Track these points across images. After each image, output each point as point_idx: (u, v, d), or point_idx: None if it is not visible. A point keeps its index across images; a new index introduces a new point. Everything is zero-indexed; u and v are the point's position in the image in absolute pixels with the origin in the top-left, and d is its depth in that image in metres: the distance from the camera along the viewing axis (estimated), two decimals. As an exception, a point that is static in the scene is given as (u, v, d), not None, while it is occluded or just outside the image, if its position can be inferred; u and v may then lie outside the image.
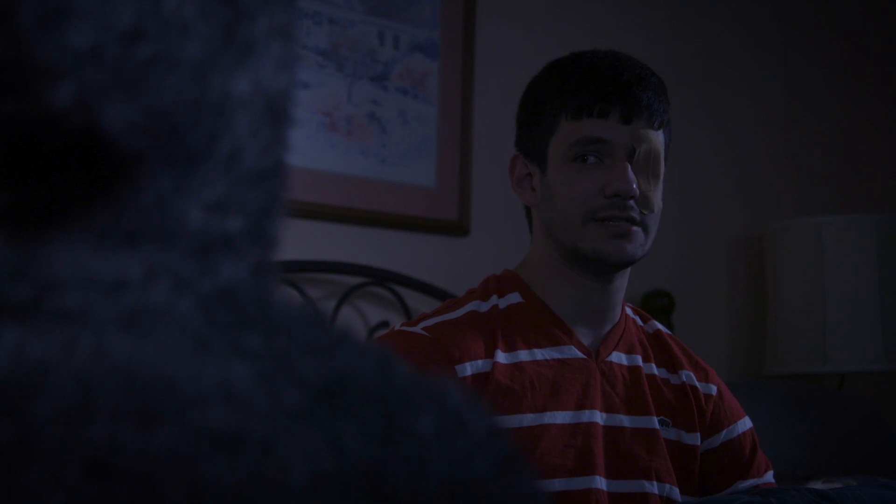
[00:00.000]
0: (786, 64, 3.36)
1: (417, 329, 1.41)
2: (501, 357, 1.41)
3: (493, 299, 1.48)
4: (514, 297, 1.48)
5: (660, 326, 1.56)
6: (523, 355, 1.43)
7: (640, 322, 1.55)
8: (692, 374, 1.50)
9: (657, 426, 1.45)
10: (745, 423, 1.53)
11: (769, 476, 1.52)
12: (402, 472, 0.35)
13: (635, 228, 1.41)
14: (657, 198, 1.43)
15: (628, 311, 1.54)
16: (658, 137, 1.43)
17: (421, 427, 0.36)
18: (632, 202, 1.40)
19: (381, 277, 2.54)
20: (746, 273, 3.22)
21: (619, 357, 1.47)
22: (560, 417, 1.40)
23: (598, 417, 1.41)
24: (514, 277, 1.50)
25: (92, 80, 0.37)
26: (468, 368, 1.38)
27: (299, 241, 2.44)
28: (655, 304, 2.88)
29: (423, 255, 2.65)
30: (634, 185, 1.39)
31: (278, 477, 0.33)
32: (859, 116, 3.46)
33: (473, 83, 2.74)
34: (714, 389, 1.51)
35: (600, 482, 1.38)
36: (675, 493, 1.43)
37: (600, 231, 1.40)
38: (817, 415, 2.75)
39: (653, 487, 1.41)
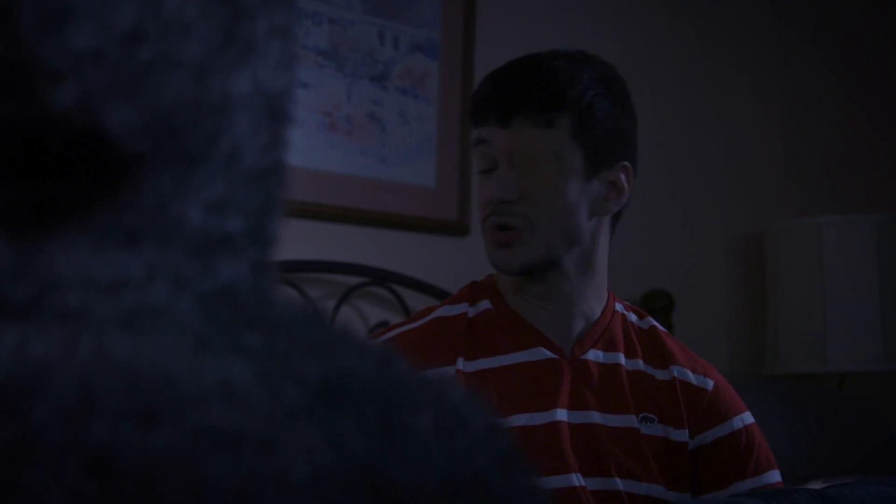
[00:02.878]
0: (786, 64, 3.36)
1: (387, 339, 1.46)
2: (463, 366, 1.42)
3: (463, 307, 1.49)
4: (485, 305, 1.49)
5: (655, 324, 1.56)
6: (485, 363, 1.44)
7: (633, 318, 1.55)
8: (686, 370, 1.49)
9: (636, 424, 1.44)
10: (743, 420, 1.50)
11: (772, 475, 1.50)
12: (402, 469, 0.35)
13: (516, 234, 1.42)
14: (545, 197, 1.42)
15: (619, 307, 1.54)
16: (543, 136, 1.42)
17: (421, 424, 0.37)
18: (511, 206, 1.42)
19: (380, 277, 2.54)
20: (746, 273, 3.22)
21: (595, 355, 1.47)
22: (520, 420, 1.40)
23: (564, 415, 1.41)
24: (489, 283, 1.52)
25: (93, 82, 0.37)
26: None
27: (299, 241, 2.44)
28: (655, 304, 2.88)
29: (423, 255, 2.65)
30: (504, 190, 1.41)
31: (279, 475, 0.33)
32: (859, 116, 3.46)
33: (473, 83, 2.74)
34: (710, 384, 1.50)
35: (578, 479, 1.38)
36: (656, 490, 1.42)
37: (490, 240, 1.44)
38: (817, 415, 2.75)
39: (625, 485, 1.40)
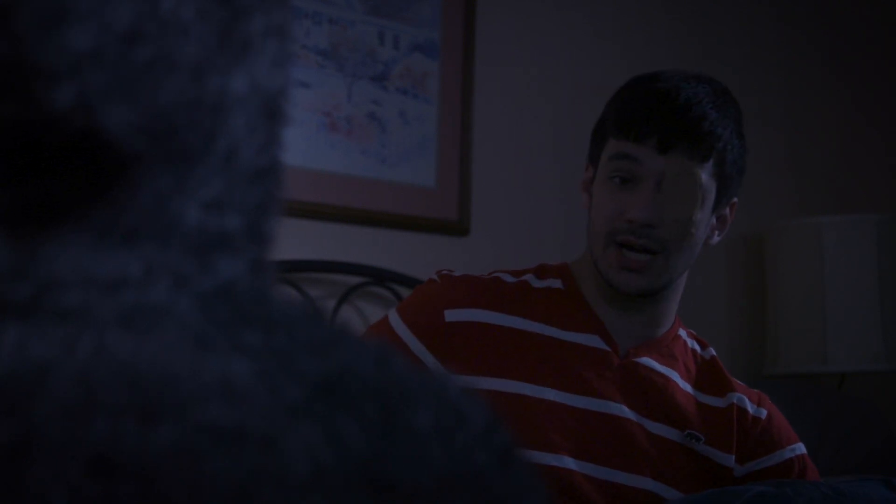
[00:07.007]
0: (786, 64, 3.37)
1: (441, 274, 1.53)
2: (504, 320, 1.46)
3: (529, 277, 1.53)
4: (555, 283, 1.53)
5: (715, 354, 1.59)
6: (536, 327, 1.47)
7: (695, 347, 1.58)
8: (744, 398, 1.53)
9: (677, 437, 1.47)
10: (795, 450, 1.54)
11: None
12: (401, 466, 0.35)
13: (649, 258, 1.43)
14: (686, 227, 1.44)
15: (682, 333, 1.57)
16: (697, 169, 1.43)
17: (420, 421, 0.37)
18: (651, 230, 1.42)
19: (381, 277, 2.54)
20: (746, 273, 3.22)
21: (649, 361, 1.50)
22: (557, 396, 1.43)
23: (616, 409, 1.44)
24: (563, 268, 1.56)
25: (92, 82, 0.37)
26: (461, 315, 1.46)
27: (299, 240, 2.44)
28: (655, 303, 2.88)
29: (423, 255, 2.65)
30: (651, 214, 1.41)
31: (279, 472, 0.33)
32: (859, 116, 3.46)
33: (473, 83, 2.74)
34: (764, 413, 1.53)
35: (574, 464, 1.41)
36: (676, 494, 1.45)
37: (615, 259, 1.44)
38: (817, 415, 2.75)
39: (654, 486, 1.43)
